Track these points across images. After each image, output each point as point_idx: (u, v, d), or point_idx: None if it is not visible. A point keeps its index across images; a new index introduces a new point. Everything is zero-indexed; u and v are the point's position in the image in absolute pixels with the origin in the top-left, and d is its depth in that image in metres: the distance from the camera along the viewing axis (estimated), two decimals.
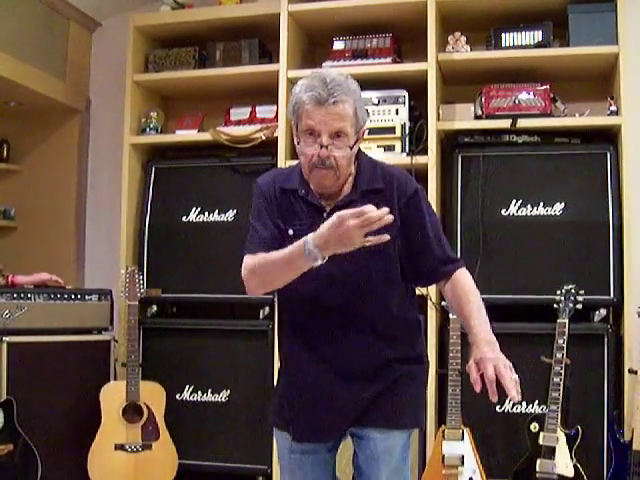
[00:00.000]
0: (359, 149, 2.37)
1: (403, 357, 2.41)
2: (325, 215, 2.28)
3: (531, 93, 4.03)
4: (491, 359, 2.16)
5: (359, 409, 2.35)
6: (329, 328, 2.35)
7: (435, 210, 3.91)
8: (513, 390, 2.11)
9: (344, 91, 2.20)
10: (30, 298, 3.98)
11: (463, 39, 4.15)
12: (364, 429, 2.37)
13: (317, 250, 2.07)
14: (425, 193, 2.44)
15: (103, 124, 5.08)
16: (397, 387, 2.38)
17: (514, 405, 3.84)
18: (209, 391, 4.26)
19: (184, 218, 4.41)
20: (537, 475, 3.52)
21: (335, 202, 2.32)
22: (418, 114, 4.17)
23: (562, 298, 3.65)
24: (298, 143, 2.29)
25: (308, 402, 2.39)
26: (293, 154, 4.24)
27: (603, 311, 3.86)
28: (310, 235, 2.09)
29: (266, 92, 4.36)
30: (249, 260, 2.30)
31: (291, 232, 2.34)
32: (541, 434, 3.55)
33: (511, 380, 2.13)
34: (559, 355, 3.57)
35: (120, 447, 3.90)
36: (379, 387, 2.36)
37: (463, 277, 2.38)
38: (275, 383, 2.57)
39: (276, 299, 2.51)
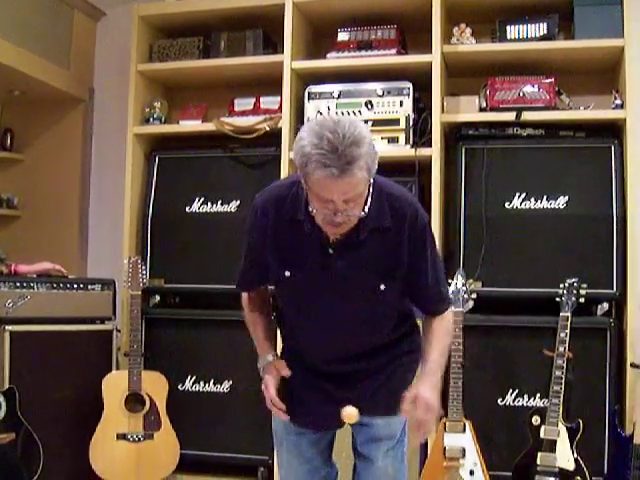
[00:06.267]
0: None
1: (400, 353, 2.45)
2: (330, 251, 2.26)
3: (536, 86, 4.02)
4: (423, 398, 2.21)
5: (358, 403, 2.37)
6: (328, 334, 2.38)
7: (438, 203, 3.95)
8: (416, 434, 2.26)
9: (357, 156, 2.01)
10: (33, 287, 3.99)
11: (468, 31, 4.13)
12: (365, 417, 2.39)
13: (263, 372, 2.44)
14: (431, 227, 2.40)
15: (107, 114, 5.07)
16: (394, 376, 2.42)
17: (516, 398, 3.85)
18: (211, 381, 4.26)
19: (187, 208, 4.41)
20: (538, 468, 3.52)
21: (342, 238, 2.25)
22: (422, 106, 4.16)
23: (565, 291, 3.64)
24: (309, 199, 2.17)
25: (307, 399, 2.43)
26: None
27: (606, 305, 3.86)
28: (269, 359, 2.44)
29: (270, 83, 4.35)
30: (243, 301, 2.54)
31: (287, 274, 2.32)
32: (542, 427, 3.55)
33: (420, 428, 2.23)
34: (561, 348, 3.56)
35: (122, 437, 3.91)
36: (377, 382, 2.41)
37: (438, 323, 2.39)
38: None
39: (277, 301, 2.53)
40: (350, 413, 2.28)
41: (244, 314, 2.54)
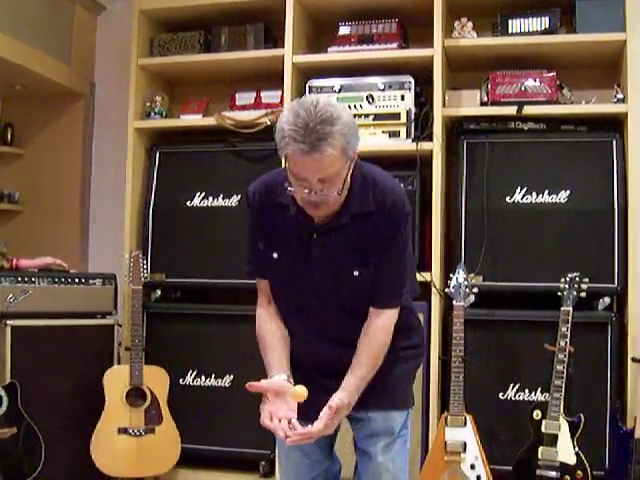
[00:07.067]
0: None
1: (396, 347, 2.41)
2: (315, 236, 2.29)
3: (537, 80, 4.01)
4: (327, 421, 2.19)
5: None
6: (313, 318, 2.40)
7: (439, 197, 3.95)
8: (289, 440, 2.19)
9: (328, 134, 2.05)
10: (34, 282, 3.98)
11: (470, 25, 4.12)
12: (362, 411, 2.39)
13: None
14: (412, 220, 2.39)
15: (108, 108, 5.07)
16: (391, 371, 2.40)
17: (517, 392, 3.85)
18: (213, 376, 4.26)
19: (188, 203, 4.41)
20: (539, 462, 3.52)
21: (326, 221, 2.28)
22: (424, 100, 4.15)
23: (566, 286, 3.64)
24: (289, 178, 2.21)
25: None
26: None
27: (607, 299, 3.85)
28: (275, 375, 2.33)
29: (271, 77, 4.35)
30: (258, 308, 2.53)
31: (275, 256, 2.36)
32: (544, 422, 3.55)
33: (300, 435, 2.18)
34: (563, 343, 3.56)
35: (123, 431, 3.91)
36: (373, 376, 2.36)
37: (377, 331, 2.34)
38: None
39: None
40: (296, 392, 2.23)
41: (257, 335, 2.54)
